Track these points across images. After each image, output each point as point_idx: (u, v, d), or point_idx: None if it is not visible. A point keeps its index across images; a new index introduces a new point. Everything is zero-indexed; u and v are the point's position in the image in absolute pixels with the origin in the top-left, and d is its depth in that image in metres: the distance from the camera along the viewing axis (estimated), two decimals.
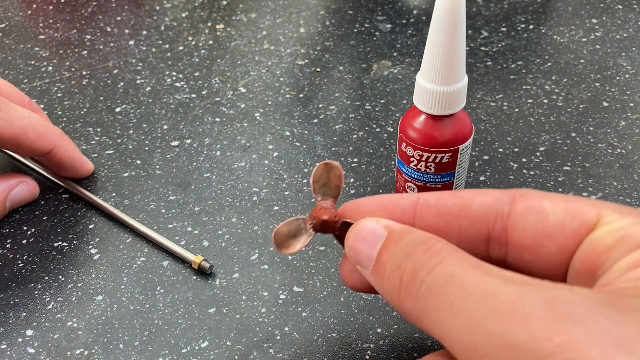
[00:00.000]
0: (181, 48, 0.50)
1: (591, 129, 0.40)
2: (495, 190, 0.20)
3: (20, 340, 0.28)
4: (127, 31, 0.53)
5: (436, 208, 0.21)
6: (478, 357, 0.15)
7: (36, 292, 0.31)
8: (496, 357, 0.14)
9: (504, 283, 0.15)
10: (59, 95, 0.45)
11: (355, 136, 0.40)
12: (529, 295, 0.15)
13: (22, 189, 0.34)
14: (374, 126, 0.41)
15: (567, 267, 0.19)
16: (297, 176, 0.37)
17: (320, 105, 0.43)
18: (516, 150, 0.39)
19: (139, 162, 0.39)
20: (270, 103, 0.44)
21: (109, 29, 0.53)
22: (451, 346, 0.16)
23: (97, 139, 0.41)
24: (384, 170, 0.37)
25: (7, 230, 0.34)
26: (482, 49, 0.49)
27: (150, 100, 0.44)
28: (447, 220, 0.20)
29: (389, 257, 0.19)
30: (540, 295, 0.15)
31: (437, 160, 0.30)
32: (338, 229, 0.23)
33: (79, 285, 0.31)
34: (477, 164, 0.38)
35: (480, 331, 0.15)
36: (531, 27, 0.52)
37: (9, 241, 0.33)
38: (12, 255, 0.33)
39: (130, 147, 0.40)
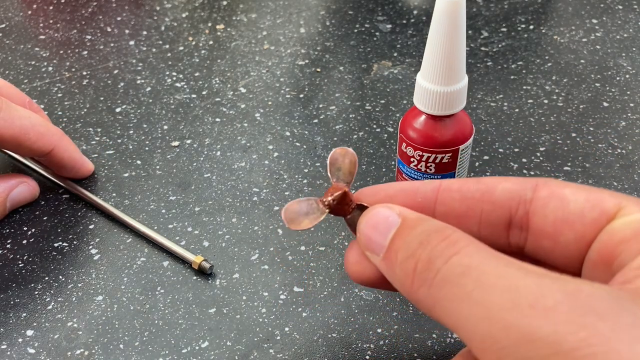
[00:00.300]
0: (181, 48, 0.50)
1: (591, 129, 0.40)
2: (520, 177, 0.20)
3: (20, 340, 0.28)
4: (127, 31, 0.53)
5: (459, 193, 0.21)
6: (496, 349, 0.14)
7: (36, 292, 0.31)
8: (515, 349, 0.14)
9: (525, 274, 0.15)
10: (59, 95, 0.45)
11: (355, 136, 0.40)
12: (550, 287, 0.14)
13: (22, 188, 0.34)
14: (374, 126, 0.41)
15: (583, 257, 0.19)
16: (297, 176, 0.37)
17: (320, 105, 0.43)
18: (516, 150, 0.39)
19: (139, 162, 0.39)
20: (270, 103, 0.44)
21: (109, 29, 0.53)
22: (467, 337, 0.15)
23: (97, 139, 0.41)
24: (384, 170, 0.37)
25: (7, 230, 0.34)
26: (482, 49, 0.49)
27: (150, 100, 0.44)
28: (470, 204, 0.20)
29: (402, 244, 0.18)
30: (562, 287, 0.14)
31: (437, 160, 0.30)
32: (351, 211, 0.23)
33: (79, 285, 0.31)
34: (477, 164, 0.38)
35: (499, 322, 0.14)
36: (531, 27, 0.52)
37: (9, 241, 0.33)
38: (12, 255, 0.33)
39: (130, 147, 0.40)
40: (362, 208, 0.22)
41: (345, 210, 0.23)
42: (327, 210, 0.23)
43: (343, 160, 0.24)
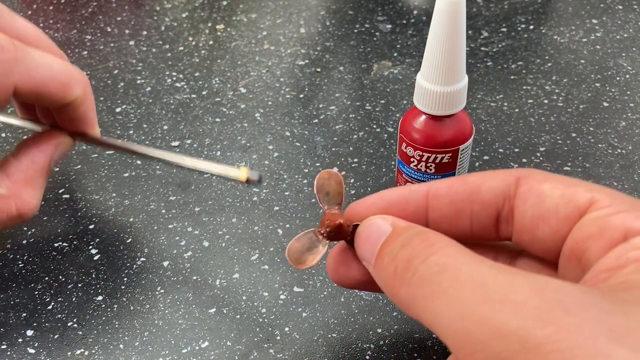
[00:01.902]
0: (181, 48, 0.50)
1: (591, 129, 0.40)
2: (500, 171, 0.21)
3: (20, 340, 0.28)
4: (127, 31, 0.53)
5: (447, 197, 0.21)
6: (469, 344, 0.15)
7: (36, 292, 0.31)
8: (487, 343, 0.14)
9: (497, 272, 0.16)
10: None
11: (355, 136, 0.40)
12: (520, 283, 0.15)
13: (61, 146, 0.31)
14: (374, 126, 0.41)
15: (559, 252, 0.19)
16: (297, 176, 0.37)
17: (320, 105, 0.43)
18: (516, 150, 0.39)
19: (139, 162, 0.39)
20: (270, 103, 0.44)
21: (109, 29, 0.53)
22: (443, 333, 0.16)
23: None
24: (384, 170, 0.37)
25: (7, 230, 0.34)
26: (482, 49, 0.49)
27: (150, 100, 0.44)
28: (459, 207, 0.21)
29: (388, 250, 0.19)
30: (532, 283, 0.15)
31: (437, 160, 0.30)
32: (349, 233, 0.23)
33: (79, 285, 0.31)
34: (477, 164, 0.38)
35: (471, 317, 0.15)
36: (531, 27, 0.52)
37: (9, 241, 0.33)
38: (12, 255, 0.33)
39: None
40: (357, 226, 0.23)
41: (344, 234, 0.23)
42: (328, 242, 0.23)
43: (329, 183, 0.24)
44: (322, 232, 0.23)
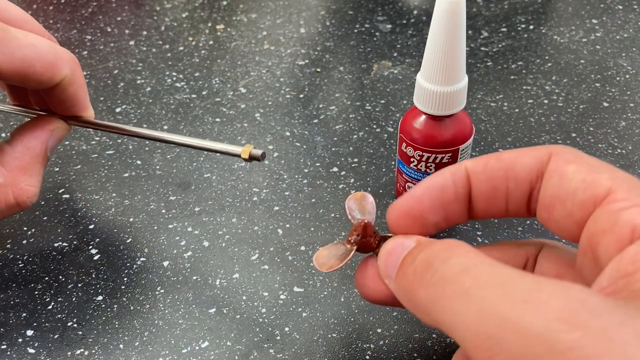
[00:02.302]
0: (181, 48, 0.50)
1: (591, 129, 0.40)
2: (534, 147, 0.21)
3: (20, 340, 0.28)
4: (127, 31, 0.53)
5: (484, 174, 0.21)
6: (489, 345, 0.14)
7: (36, 292, 0.31)
8: (508, 344, 0.14)
9: (521, 274, 0.15)
10: None
11: (355, 136, 0.40)
12: (545, 284, 0.14)
13: (57, 131, 0.30)
14: (374, 126, 0.41)
15: (575, 235, 0.19)
16: (297, 176, 0.37)
17: (320, 105, 0.43)
18: None
19: (139, 162, 0.39)
20: (270, 103, 0.44)
21: (109, 29, 0.53)
22: (461, 335, 0.15)
23: (97, 139, 0.41)
24: (384, 170, 0.37)
25: (7, 230, 0.34)
26: (482, 49, 0.49)
27: (150, 100, 0.44)
28: (496, 184, 0.21)
29: (410, 259, 0.19)
30: (556, 284, 0.14)
31: (437, 160, 0.30)
32: (377, 244, 0.23)
33: (79, 285, 0.31)
34: None
35: (493, 316, 0.14)
36: (531, 27, 0.52)
37: (9, 241, 0.33)
38: (12, 255, 0.33)
39: (130, 147, 0.40)
40: (387, 239, 0.23)
41: (371, 243, 0.23)
42: (355, 248, 0.23)
43: (361, 203, 0.25)
44: (350, 239, 0.24)
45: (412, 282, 0.18)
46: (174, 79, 0.46)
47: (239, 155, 0.27)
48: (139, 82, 0.46)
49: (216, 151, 0.28)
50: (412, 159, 0.31)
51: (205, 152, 0.39)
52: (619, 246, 0.17)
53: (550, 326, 0.13)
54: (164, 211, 0.35)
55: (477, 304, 0.15)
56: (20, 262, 0.32)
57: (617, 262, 0.16)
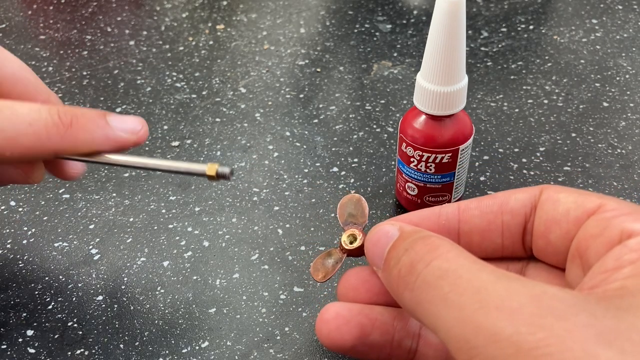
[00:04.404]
0: (181, 48, 0.50)
1: (591, 129, 0.40)
2: (527, 187, 0.22)
3: (20, 340, 0.28)
4: (127, 31, 0.53)
5: (478, 209, 0.22)
6: (467, 349, 0.15)
7: (36, 292, 0.31)
8: (483, 349, 0.15)
9: (496, 279, 0.16)
10: (59, 95, 0.45)
11: (355, 136, 0.40)
12: (517, 290, 0.15)
13: (133, 117, 0.26)
14: (374, 126, 0.41)
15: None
16: (297, 176, 0.37)
17: (320, 105, 0.43)
18: (516, 150, 0.39)
19: None
20: (270, 103, 0.44)
21: (109, 29, 0.53)
22: (443, 337, 0.16)
23: None
24: (384, 170, 0.37)
25: (7, 230, 0.34)
26: (482, 49, 0.49)
27: (150, 100, 0.44)
28: (490, 218, 0.22)
29: (394, 254, 0.20)
30: (529, 291, 0.15)
31: (437, 160, 0.30)
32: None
33: (79, 285, 0.31)
34: (477, 164, 0.38)
35: (469, 323, 0.15)
36: (531, 27, 0.52)
37: (9, 241, 0.33)
38: (12, 255, 0.33)
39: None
40: None
41: (361, 249, 0.24)
42: (345, 255, 0.24)
43: (354, 206, 0.25)
44: (343, 249, 0.24)
45: (398, 284, 0.19)
46: (174, 79, 0.46)
47: (204, 175, 0.25)
48: (139, 82, 0.46)
49: (179, 172, 0.26)
50: (412, 159, 0.31)
51: (205, 153, 0.39)
52: (608, 248, 0.17)
53: (519, 330, 0.14)
54: (164, 211, 0.35)
55: (455, 310, 0.16)
56: (20, 262, 0.32)
57: (602, 260, 0.17)
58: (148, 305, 0.30)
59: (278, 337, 0.28)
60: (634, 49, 0.48)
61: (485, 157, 0.38)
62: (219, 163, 0.25)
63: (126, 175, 0.38)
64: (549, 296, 0.15)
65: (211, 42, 0.51)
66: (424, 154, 0.30)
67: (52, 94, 0.28)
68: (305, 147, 0.39)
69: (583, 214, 0.19)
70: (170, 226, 0.34)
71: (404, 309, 0.19)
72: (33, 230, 0.34)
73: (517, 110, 0.42)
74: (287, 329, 0.28)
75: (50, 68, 0.48)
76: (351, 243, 0.24)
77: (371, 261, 0.21)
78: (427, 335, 0.23)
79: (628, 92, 0.43)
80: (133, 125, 0.25)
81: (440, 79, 0.28)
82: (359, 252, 0.24)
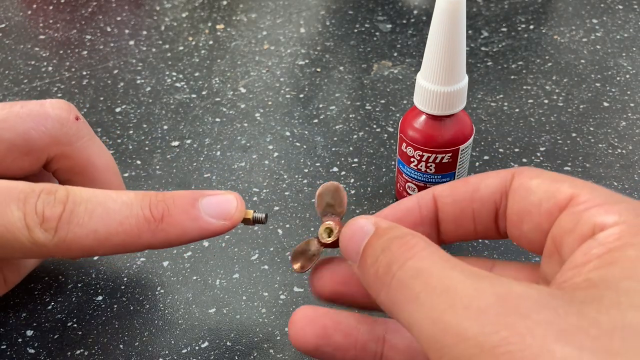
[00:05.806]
0: (181, 48, 0.50)
1: (591, 129, 0.40)
2: (500, 170, 0.22)
3: (20, 340, 0.28)
4: (127, 31, 0.53)
5: (450, 197, 0.22)
6: (437, 348, 0.15)
7: (36, 292, 0.31)
8: (452, 348, 0.15)
9: (465, 278, 0.16)
10: (59, 95, 0.45)
11: (355, 136, 0.40)
12: (485, 290, 0.16)
13: (226, 199, 0.26)
14: (374, 126, 0.41)
15: (544, 246, 0.20)
16: (297, 176, 0.37)
17: (320, 105, 0.43)
18: (516, 150, 0.39)
19: (139, 162, 0.39)
20: (270, 103, 0.44)
21: (109, 29, 0.53)
22: (417, 336, 0.17)
23: None
24: (384, 170, 0.37)
25: None
26: (482, 49, 0.49)
27: (150, 100, 0.44)
28: (462, 206, 0.22)
29: (371, 251, 0.20)
30: (496, 290, 0.15)
31: (437, 160, 0.30)
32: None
33: (79, 285, 0.31)
34: (477, 164, 0.38)
35: (439, 323, 0.16)
36: (531, 27, 0.52)
37: None
38: None
39: (130, 147, 0.40)
40: None
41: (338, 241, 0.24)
42: (322, 247, 0.24)
43: (332, 195, 0.25)
44: (321, 242, 0.24)
45: (375, 284, 0.19)
46: (174, 78, 0.46)
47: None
48: (139, 82, 0.46)
49: None
50: (412, 159, 0.31)
51: (205, 153, 0.39)
52: (581, 243, 0.18)
53: (483, 330, 0.15)
54: None
55: (426, 310, 0.16)
56: None
57: (573, 255, 0.17)
58: (148, 306, 0.30)
59: (278, 338, 0.28)
60: (634, 48, 0.48)
61: (486, 157, 0.38)
62: (254, 210, 0.26)
63: (126, 175, 0.38)
64: (515, 295, 0.15)
65: (211, 42, 0.51)
66: (424, 154, 0.30)
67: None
68: (305, 147, 0.39)
69: (554, 207, 0.19)
70: None
71: (381, 307, 0.19)
72: None
73: (517, 110, 0.42)
74: (287, 329, 0.28)
75: (50, 68, 0.48)
76: (328, 236, 0.24)
77: (346, 256, 0.21)
78: (392, 340, 0.23)
79: (628, 92, 0.43)
80: (228, 208, 0.26)
81: (440, 79, 0.28)
82: (335, 245, 0.24)
